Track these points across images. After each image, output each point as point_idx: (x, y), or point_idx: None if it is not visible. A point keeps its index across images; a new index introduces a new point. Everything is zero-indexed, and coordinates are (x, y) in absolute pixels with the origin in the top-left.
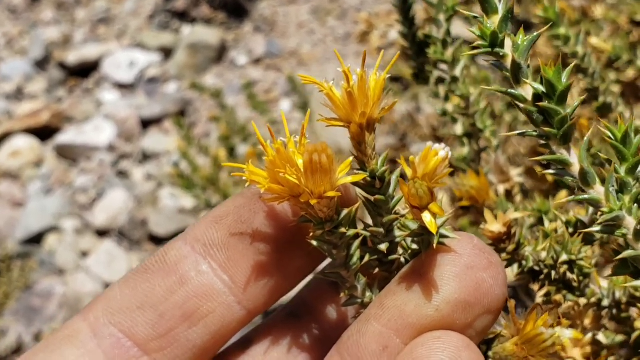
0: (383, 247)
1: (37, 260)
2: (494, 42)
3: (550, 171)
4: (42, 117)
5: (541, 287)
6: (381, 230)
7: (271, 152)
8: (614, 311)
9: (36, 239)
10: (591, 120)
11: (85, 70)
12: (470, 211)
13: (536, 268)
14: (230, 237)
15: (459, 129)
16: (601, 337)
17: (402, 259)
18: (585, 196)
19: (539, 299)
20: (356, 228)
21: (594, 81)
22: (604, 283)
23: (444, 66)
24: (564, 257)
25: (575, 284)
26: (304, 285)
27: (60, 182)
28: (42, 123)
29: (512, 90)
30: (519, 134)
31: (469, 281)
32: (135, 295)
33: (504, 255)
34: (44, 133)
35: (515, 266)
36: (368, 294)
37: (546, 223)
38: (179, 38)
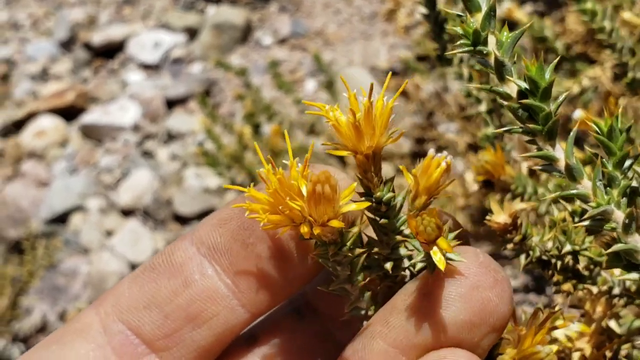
0: (388, 265)
1: (62, 240)
2: (477, 40)
3: (538, 167)
4: (67, 97)
5: (551, 277)
6: (386, 250)
7: (274, 180)
8: (626, 299)
9: (61, 219)
10: (623, 96)
11: (111, 51)
12: (495, 189)
13: (544, 258)
14: (233, 241)
15: (483, 107)
16: (613, 324)
17: (407, 272)
18: (573, 191)
19: (550, 288)
20: (361, 246)
21: (622, 56)
22: (617, 271)
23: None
24: (568, 247)
25: (585, 273)
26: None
27: (85, 162)
28: (68, 103)
29: (497, 88)
30: (505, 131)
31: (475, 302)
32: (142, 294)
33: (510, 246)
34: (69, 113)
35: (523, 256)
36: (372, 306)
37: (555, 212)
38: (204, 18)
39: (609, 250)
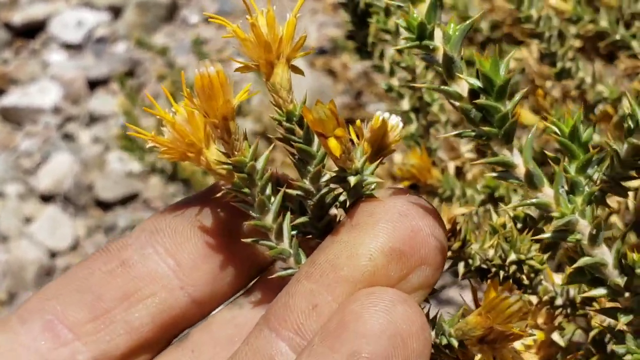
0: (313, 205)
1: None
2: (422, 34)
3: (493, 174)
4: None
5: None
6: (309, 187)
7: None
8: (569, 310)
9: None
10: (549, 79)
11: (32, 31)
12: (421, 192)
13: (484, 266)
14: (176, 221)
15: (405, 104)
16: (556, 337)
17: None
18: (533, 200)
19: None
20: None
21: (551, 45)
22: (558, 279)
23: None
24: (513, 256)
25: (526, 282)
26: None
27: (4, 146)
28: None
29: (446, 87)
30: (456, 135)
31: (404, 229)
32: (71, 282)
33: (448, 253)
34: None
35: (462, 265)
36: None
37: (494, 217)
38: None
39: (575, 266)
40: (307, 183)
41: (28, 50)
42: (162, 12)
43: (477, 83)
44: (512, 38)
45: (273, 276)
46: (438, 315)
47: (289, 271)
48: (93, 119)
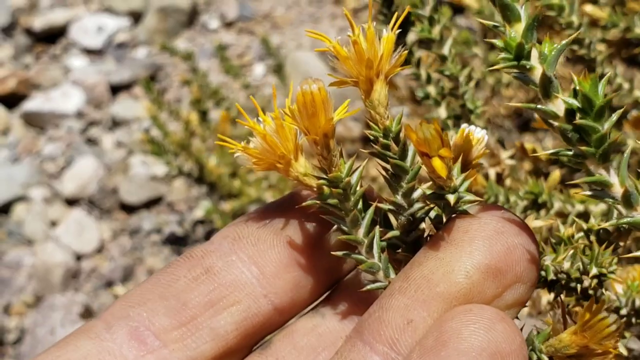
0: (403, 220)
1: (5, 231)
2: (520, 54)
3: (588, 192)
4: (8, 84)
5: (557, 296)
6: (402, 202)
7: (260, 129)
8: (633, 319)
9: (4, 209)
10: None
11: (53, 36)
12: None
13: (555, 278)
14: (259, 230)
15: (443, 112)
16: (621, 347)
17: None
18: (629, 219)
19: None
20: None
21: (590, 52)
22: (620, 289)
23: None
24: (594, 270)
25: (591, 292)
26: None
27: (28, 151)
28: (8, 90)
29: (542, 106)
30: (551, 154)
31: (500, 247)
32: (156, 287)
33: None
34: (10, 100)
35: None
36: (393, 275)
37: (562, 228)
38: (149, 2)
39: None
40: (399, 198)
41: (49, 56)
42: (182, 18)
43: (576, 103)
44: (538, 41)
45: (363, 289)
46: (529, 331)
47: (378, 284)
48: (116, 124)
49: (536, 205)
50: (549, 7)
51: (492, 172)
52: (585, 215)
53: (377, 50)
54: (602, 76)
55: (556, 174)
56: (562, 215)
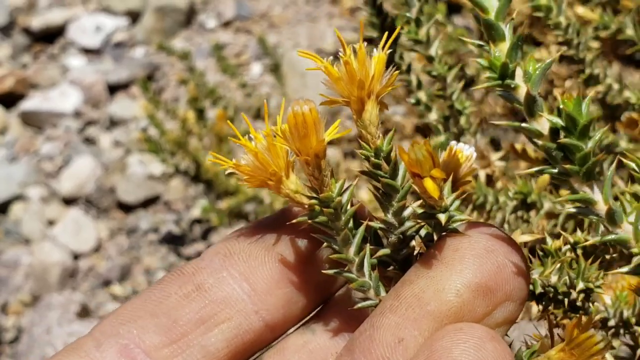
0: (394, 238)
1: (3, 230)
2: (504, 73)
3: (572, 210)
4: (5, 83)
5: (545, 309)
6: (392, 220)
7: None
8: (621, 330)
9: (1, 208)
10: (569, 78)
11: (51, 36)
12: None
13: (542, 291)
14: (250, 246)
15: (434, 115)
16: (609, 357)
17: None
18: (613, 236)
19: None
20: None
21: (579, 52)
22: (608, 300)
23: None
24: (581, 285)
25: (579, 304)
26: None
27: (26, 150)
28: (6, 89)
29: (526, 125)
30: (537, 171)
31: (490, 265)
32: (146, 304)
33: None
34: (8, 100)
35: None
36: (383, 293)
37: (549, 240)
38: (146, 1)
39: None
40: (389, 217)
41: (47, 55)
42: (180, 17)
43: (560, 122)
44: (531, 39)
45: (354, 307)
46: (518, 348)
47: (369, 302)
48: (113, 123)
49: (525, 205)
50: (537, 8)
51: (482, 174)
52: (575, 217)
53: (369, 70)
54: (590, 78)
55: (545, 177)
56: (552, 216)
